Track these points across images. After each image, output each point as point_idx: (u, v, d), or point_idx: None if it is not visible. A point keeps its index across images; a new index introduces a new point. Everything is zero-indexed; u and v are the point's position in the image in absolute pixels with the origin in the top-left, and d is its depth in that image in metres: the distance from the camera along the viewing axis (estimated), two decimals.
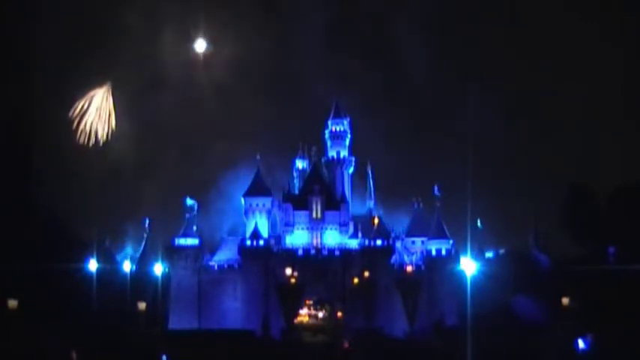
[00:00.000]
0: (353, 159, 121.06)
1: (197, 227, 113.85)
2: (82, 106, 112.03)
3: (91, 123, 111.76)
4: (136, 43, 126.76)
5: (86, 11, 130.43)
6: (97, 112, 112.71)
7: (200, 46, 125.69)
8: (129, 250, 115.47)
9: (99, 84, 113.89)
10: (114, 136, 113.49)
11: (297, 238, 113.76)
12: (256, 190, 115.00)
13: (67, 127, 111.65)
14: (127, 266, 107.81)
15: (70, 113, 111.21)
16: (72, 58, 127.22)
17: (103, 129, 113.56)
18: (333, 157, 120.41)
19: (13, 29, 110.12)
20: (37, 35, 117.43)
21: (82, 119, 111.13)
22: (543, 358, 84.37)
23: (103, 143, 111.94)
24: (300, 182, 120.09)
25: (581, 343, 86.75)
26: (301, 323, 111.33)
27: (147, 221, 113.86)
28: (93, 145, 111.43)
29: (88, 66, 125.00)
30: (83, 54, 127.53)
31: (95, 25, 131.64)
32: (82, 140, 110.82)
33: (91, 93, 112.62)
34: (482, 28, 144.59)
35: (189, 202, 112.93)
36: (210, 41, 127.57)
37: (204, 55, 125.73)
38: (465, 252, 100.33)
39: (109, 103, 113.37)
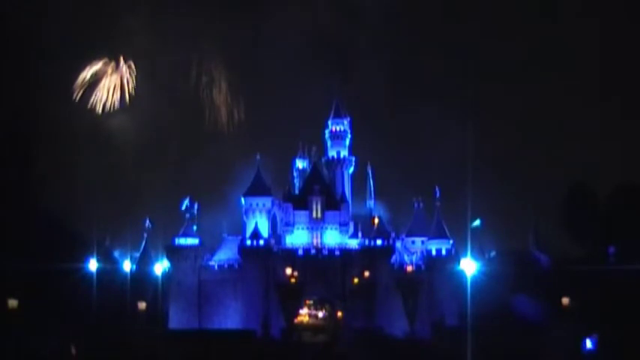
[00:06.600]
0: (353, 159, 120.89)
1: (197, 227, 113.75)
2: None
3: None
4: (138, 42, 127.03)
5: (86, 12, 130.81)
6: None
7: None
8: (128, 250, 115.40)
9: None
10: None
11: (297, 238, 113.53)
12: (256, 190, 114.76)
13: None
14: (127, 266, 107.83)
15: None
16: (72, 57, 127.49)
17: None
18: (333, 157, 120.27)
19: (13, 26, 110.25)
20: (36, 35, 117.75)
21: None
22: (546, 359, 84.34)
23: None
24: (300, 182, 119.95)
25: (588, 343, 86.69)
26: (301, 323, 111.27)
27: (147, 221, 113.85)
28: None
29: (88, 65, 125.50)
30: (83, 52, 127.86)
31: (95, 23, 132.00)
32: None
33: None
34: (488, 21, 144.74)
35: (186, 204, 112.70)
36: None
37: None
38: (465, 252, 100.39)
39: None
